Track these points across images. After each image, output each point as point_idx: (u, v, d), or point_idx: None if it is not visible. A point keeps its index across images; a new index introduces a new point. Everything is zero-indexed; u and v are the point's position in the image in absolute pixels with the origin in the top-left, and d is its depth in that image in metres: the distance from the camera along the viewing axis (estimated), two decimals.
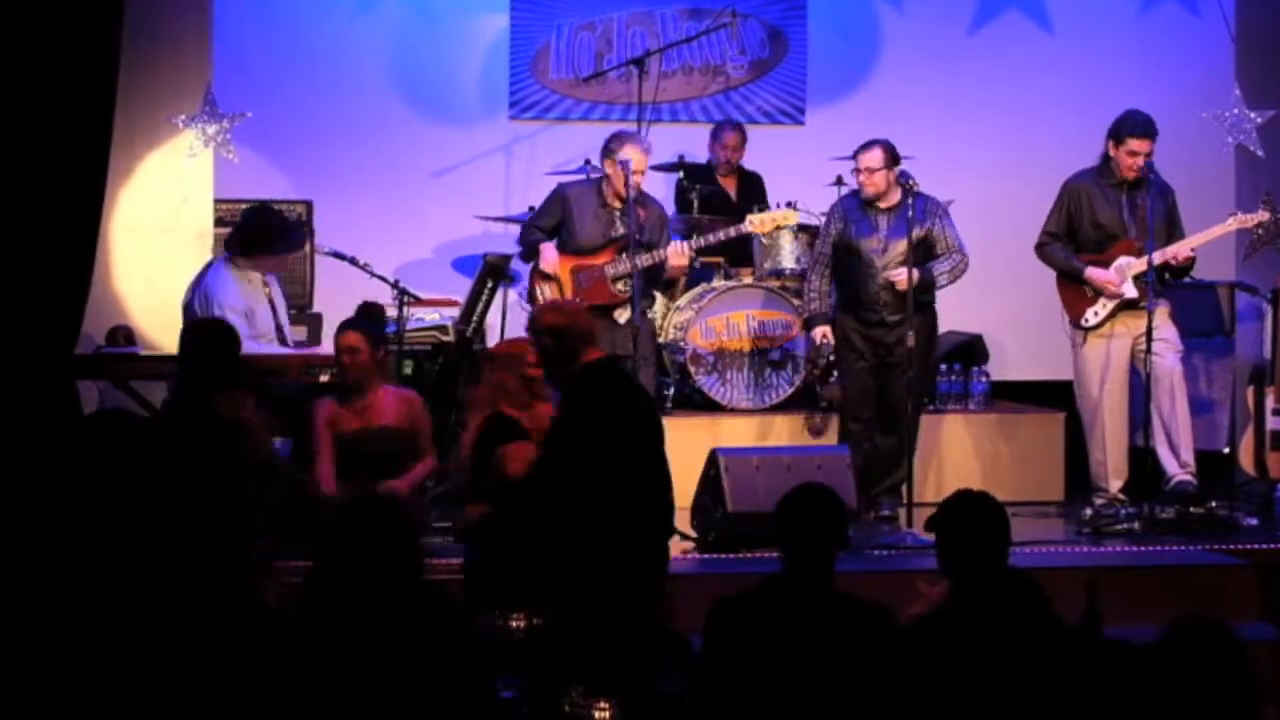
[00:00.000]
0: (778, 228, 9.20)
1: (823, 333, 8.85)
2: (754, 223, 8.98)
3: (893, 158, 8.70)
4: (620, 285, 8.66)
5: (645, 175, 8.70)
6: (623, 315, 8.65)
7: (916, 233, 8.56)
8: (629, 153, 8.58)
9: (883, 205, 8.75)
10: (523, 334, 7.87)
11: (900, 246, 8.59)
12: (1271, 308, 9.29)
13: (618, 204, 8.69)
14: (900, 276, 8.52)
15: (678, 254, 8.68)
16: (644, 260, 8.60)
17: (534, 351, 7.08)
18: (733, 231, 9.04)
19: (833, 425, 9.19)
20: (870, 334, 8.77)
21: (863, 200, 8.81)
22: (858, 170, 8.76)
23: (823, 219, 9.10)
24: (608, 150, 8.69)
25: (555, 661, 6.14)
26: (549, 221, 8.83)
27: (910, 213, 8.45)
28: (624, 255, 8.60)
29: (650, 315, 9.10)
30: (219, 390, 6.93)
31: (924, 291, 8.65)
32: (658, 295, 9.34)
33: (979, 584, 5.14)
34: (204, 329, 7.51)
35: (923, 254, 8.67)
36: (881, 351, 8.75)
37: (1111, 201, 8.67)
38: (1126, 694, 4.54)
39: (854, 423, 8.86)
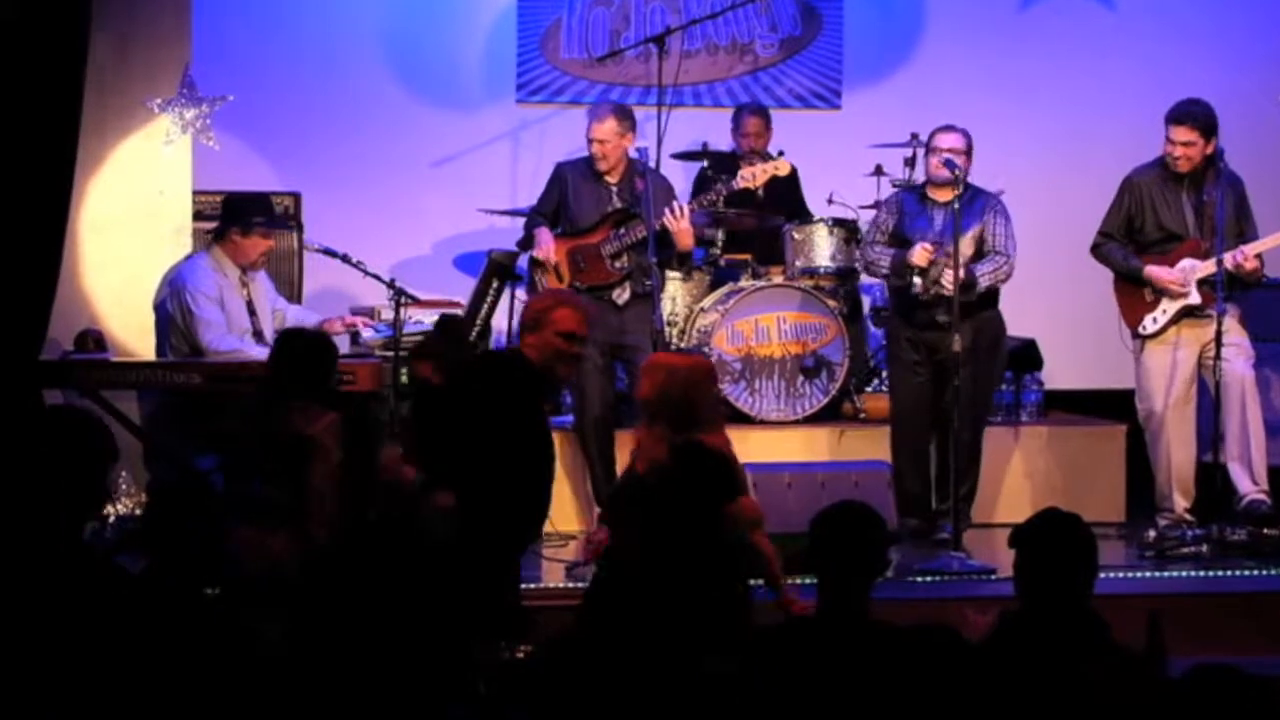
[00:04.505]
0: (771, 178, 9.27)
1: (922, 248, 8.64)
2: (746, 177, 9.09)
3: (971, 147, 8.69)
4: (617, 262, 8.83)
5: (611, 144, 8.83)
6: (621, 295, 8.84)
7: (974, 229, 8.61)
8: (590, 127, 8.86)
9: (940, 199, 8.70)
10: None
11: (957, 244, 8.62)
12: None
13: (610, 179, 8.90)
14: (932, 258, 8.55)
15: (673, 219, 8.76)
16: (638, 232, 8.74)
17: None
18: (724, 190, 9.15)
19: (869, 438, 9.16)
20: (923, 338, 8.74)
21: (921, 193, 8.78)
22: (933, 150, 8.69)
23: (860, 211, 9.07)
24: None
25: (559, 691, 6.11)
26: (550, 203, 9.04)
27: (956, 205, 8.40)
28: (620, 230, 8.81)
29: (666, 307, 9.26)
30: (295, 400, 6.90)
31: (964, 291, 8.57)
32: (669, 278, 9.48)
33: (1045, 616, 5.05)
34: (302, 337, 7.39)
35: (975, 253, 8.65)
36: (938, 356, 8.70)
37: (1174, 198, 8.61)
38: None
39: (908, 437, 8.86)
